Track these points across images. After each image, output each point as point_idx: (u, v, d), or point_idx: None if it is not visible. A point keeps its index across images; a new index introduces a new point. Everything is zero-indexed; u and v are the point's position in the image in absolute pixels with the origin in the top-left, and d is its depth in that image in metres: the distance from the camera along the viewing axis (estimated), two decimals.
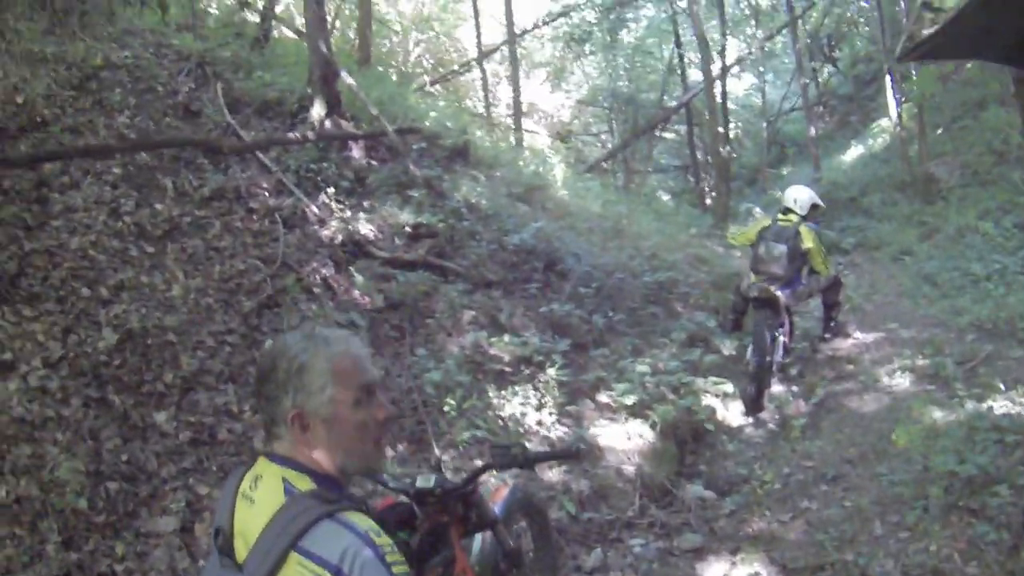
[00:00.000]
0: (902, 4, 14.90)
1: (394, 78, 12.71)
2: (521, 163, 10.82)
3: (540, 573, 3.82)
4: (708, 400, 6.37)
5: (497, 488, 3.57)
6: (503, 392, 5.77)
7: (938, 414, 5.41)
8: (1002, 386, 5.64)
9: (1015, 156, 11.09)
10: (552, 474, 5.19)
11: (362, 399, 1.75)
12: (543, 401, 5.84)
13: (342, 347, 1.76)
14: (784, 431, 6.11)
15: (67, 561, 3.77)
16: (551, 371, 6.07)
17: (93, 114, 6.64)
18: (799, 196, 7.05)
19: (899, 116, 14.05)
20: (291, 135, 7.54)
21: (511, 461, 2.86)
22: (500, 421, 5.51)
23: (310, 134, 7.55)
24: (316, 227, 6.72)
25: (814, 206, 7.04)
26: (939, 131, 14.12)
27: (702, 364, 6.75)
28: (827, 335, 7.63)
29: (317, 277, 6.21)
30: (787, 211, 7.01)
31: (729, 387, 6.53)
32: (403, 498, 2.76)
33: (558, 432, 5.64)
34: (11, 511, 3.84)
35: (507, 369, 6.08)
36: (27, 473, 4.01)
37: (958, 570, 3.84)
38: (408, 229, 7.21)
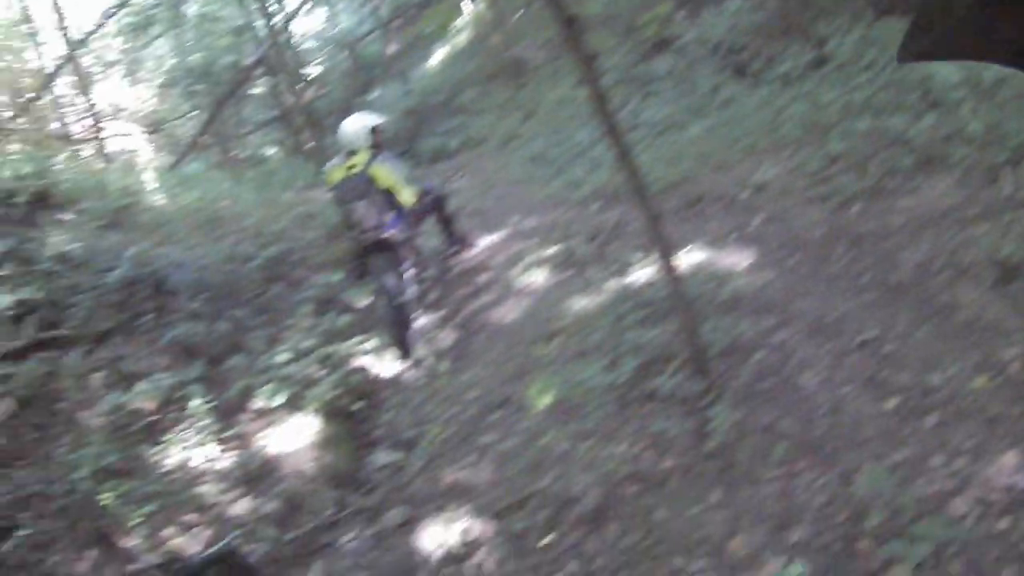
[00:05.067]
0: None
1: None
2: (107, 183, 9.19)
3: None
4: (358, 361, 5.88)
5: None
6: (158, 446, 5.06)
7: (582, 302, 5.35)
8: (637, 255, 5.70)
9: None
10: (238, 507, 4.69)
11: None
12: (203, 438, 5.14)
13: None
14: (438, 367, 5.76)
15: None
16: (195, 401, 5.32)
17: None
18: (353, 129, 6.12)
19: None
20: None
21: None
22: (169, 477, 4.84)
23: None
24: None
25: (373, 129, 6.17)
26: (519, 15, 14.49)
27: (339, 328, 6.23)
28: (451, 251, 7.26)
29: None
30: (351, 153, 6.13)
31: (374, 341, 6.04)
32: None
33: (227, 463, 5.02)
34: None
35: (155, 418, 5.28)
36: None
37: (655, 465, 3.71)
38: (9, 313, 5.76)
